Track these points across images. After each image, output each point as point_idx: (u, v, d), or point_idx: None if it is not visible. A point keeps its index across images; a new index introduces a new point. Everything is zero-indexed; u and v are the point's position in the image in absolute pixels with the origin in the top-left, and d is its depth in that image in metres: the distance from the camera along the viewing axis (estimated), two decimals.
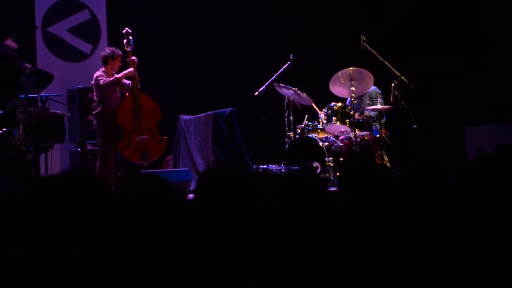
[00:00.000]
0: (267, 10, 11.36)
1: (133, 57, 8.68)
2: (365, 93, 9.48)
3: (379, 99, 9.26)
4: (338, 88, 9.24)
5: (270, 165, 9.12)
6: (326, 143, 9.07)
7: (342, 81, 9.17)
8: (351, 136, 9.08)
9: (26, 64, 8.38)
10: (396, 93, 9.07)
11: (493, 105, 10.08)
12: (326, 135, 9.27)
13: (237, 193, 2.41)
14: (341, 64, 9.29)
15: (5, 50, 8.15)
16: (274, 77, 9.34)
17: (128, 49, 8.80)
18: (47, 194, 2.13)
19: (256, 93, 9.29)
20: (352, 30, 10.10)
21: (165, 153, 9.51)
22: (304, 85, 9.43)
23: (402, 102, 9.06)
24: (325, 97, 9.46)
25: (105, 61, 8.58)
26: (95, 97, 8.57)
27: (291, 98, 9.25)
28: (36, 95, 8.61)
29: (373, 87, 9.40)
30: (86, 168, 7.98)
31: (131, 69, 8.64)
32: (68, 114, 9.24)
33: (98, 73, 8.54)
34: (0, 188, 2.55)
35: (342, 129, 9.21)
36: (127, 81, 8.67)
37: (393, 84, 9.06)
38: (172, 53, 11.08)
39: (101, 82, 8.41)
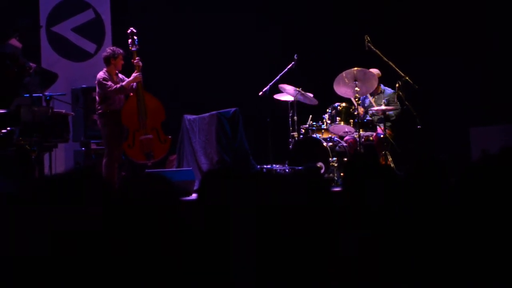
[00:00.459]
0: (272, 10, 11.35)
1: (138, 61, 8.64)
2: (381, 92, 9.45)
3: (395, 104, 9.24)
4: (342, 88, 9.23)
5: (274, 165, 9.12)
6: (330, 143, 9.07)
7: (347, 81, 9.16)
8: (355, 136, 9.08)
9: (31, 64, 8.39)
10: (401, 93, 9.07)
11: (498, 106, 10.06)
12: (330, 135, 9.27)
13: (241, 193, 2.41)
14: (346, 65, 9.28)
15: (9, 50, 8.16)
16: (278, 77, 9.35)
17: (133, 49, 8.80)
18: (51, 193, 2.13)
19: (260, 93, 9.30)
20: (356, 31, 10.10)
21: (169, 153, 9.51)
22: (308, 85, 9.43)
23: (407, 103, 9.06)
24: (325, 97, 9.46)
25: (107, 61, 8.57)
26: (97, 97, 8.57)
27: (295, 98, 9.26)
28: (41, 95, 8.62)
29: (391, 90, 9.37)
30: (90, 167, 7.99)
31: (136, 74, 8.61)
32: (72, 113, 9.24)
33: (101, 74, 8.52)
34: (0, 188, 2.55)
35: (346, 129, 9.21)
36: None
37: (397, 85, 9.06)
38: (177, 53, 11.08)
39: (108, 88, 8.40)
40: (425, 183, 2.77)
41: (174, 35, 11.11)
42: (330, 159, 8.90)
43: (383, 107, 9.14)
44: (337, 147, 9.11)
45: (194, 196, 8.01)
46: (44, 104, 8.52)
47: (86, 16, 10.99)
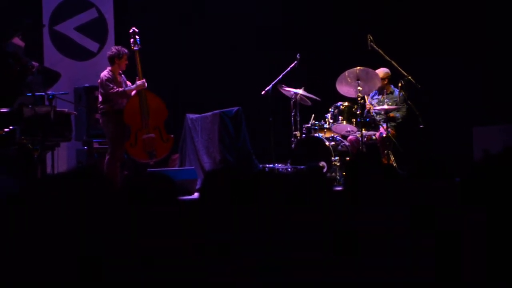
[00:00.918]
0: (274, 9, 11.34)
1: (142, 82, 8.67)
2: (390, 93, 9.42)
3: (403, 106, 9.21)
4: (344, 87, 9.22)
5: (276, 164, 9.12)
6: (333, 143, 9.06)
7: (349, 81, 9.16)
8: (358, 135, 9.08)
9: (33, 63, 8.39)
10: (403, 93, 9.06)
11: (500, 106, 10.04)
12: (332, 135, 9.27)
13: (243, 192, 2.41)
14: (348, 64, 9.28)
15: (12, 49, 8.16)
16: (280, 76, 9.34)
17: (135, 49, 8.81)
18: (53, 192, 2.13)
19: (263, 92, 9.29)
20: (357, 31, 10.10)
21: (171, 152, 9.51)
22: (310, 84, 9.42)
23: (409, 102, 9.05)
24: (328, 97, 9.45)
25: (112, 60, 8.59)
26: (100, 97, 8.58)
27: (298, 97, 9.25)
28: (43, 94, 8.62)
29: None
30: (92, 166, 7.99)
31: (139, 83, 8.62)
32: (75, 112, 9.25)
33: (105, 73, 8.54)
34: (0, 188, 2.55)
35: (349, 129, 9.20)
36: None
37: (400, 84, 9.06)
38: (179, 52, 11.08)
39: (110, 90, 8.41)
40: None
41: (176, 34, 11.11)
42: (333, 158, 8.90)
43: (385, 106, 9.13)
44: (339, 147, 9.10)
45: (196, 195, 8.02)
46: (46, 103, 8.51)
47: (89, 15, 10.98)
